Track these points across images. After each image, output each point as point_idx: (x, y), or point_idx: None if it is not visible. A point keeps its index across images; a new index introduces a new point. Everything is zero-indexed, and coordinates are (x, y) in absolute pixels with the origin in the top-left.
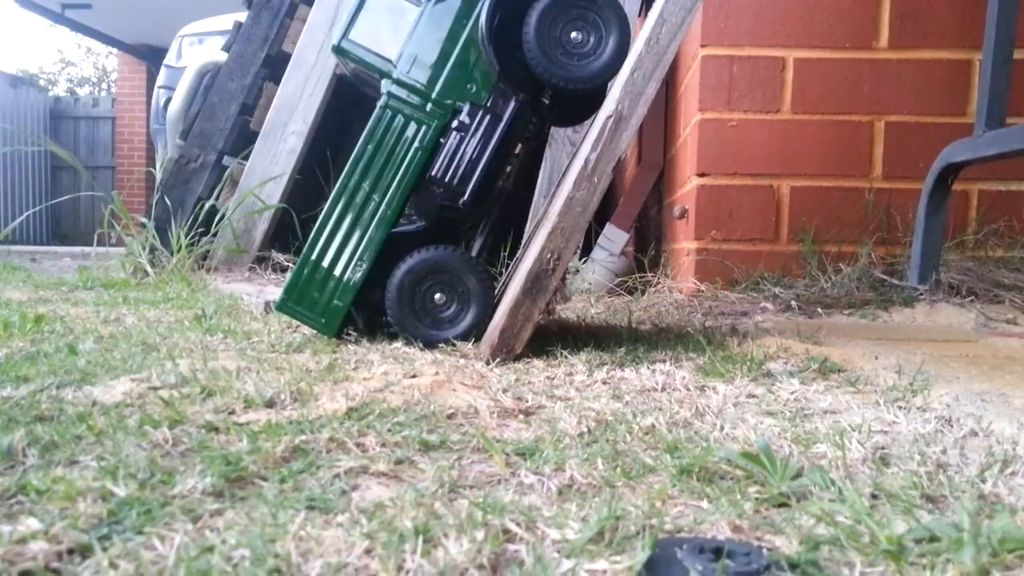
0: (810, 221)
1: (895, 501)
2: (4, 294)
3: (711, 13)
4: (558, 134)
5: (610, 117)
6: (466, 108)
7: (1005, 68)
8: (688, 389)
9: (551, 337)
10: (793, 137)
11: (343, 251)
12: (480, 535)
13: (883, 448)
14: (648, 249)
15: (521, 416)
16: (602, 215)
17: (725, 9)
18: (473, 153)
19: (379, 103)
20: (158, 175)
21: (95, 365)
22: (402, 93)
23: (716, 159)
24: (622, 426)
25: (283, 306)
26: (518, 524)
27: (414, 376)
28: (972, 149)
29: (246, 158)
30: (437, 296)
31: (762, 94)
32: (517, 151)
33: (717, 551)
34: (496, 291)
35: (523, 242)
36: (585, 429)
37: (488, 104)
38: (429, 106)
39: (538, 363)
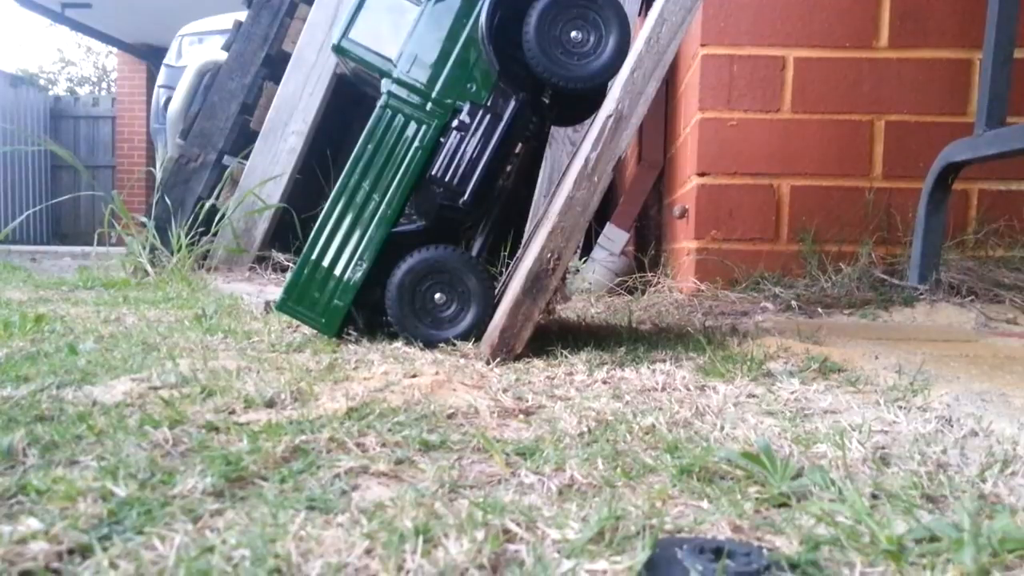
0: (810, 221)
1: (895, 501)
2: (4, 294)
3: (711, 12)
4: (558, 134)
5: (610, 116)
6: (466, 107)
7: (1005, 67)
8: (688, 389)
9: (551, 337)
10: (793, 136)
11: (343, 251)
12: (480, 535)
13: (883, 448)
14: (648, 249)
15: (521, 416)
16: (602, 215)
17: (725, 8)
18: (473, 153)
19: (379, 102)
20: (158, 175)
21: (95, 365)
22: (402, 92)
23: (716, 158)
24: (622, 426)
25: (283, 306)
26: (518, 524)
27: (414, 376)
28: (972, 148)
29: (246, 158)
30: (437, 296)
31: (762, 93)
32: (517, 150)
33: (717, 551)
34: (496, 291)
35: (523, 242)
36: (585, 429)
37: (488, 103)
38: (429, 105)
39: (538, 363)
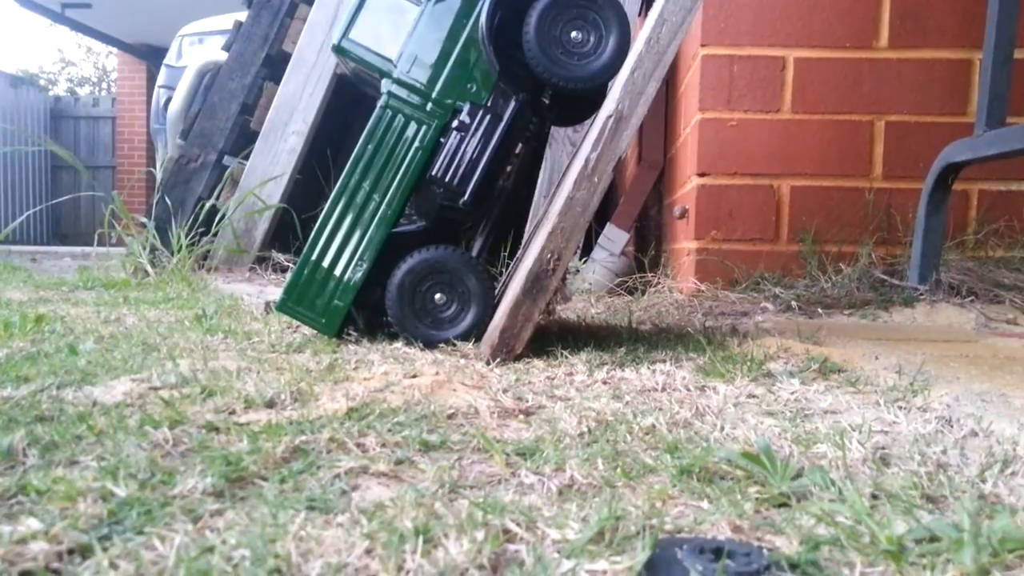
0: (810, 221)
1: (895, 501)
2: (4, 294)
3: (711, 13)
4: (558, 134)
5: (610, 117)
6: (466, 108)
7: (1005, 68)
8: (688, 389)
9: (551, 337)
10: (793, 137)
11: (343, 251)
12: (480, 535)
13: (883, 448)
14: (648, 249)
15: (521, 416)
16: (602, 215)
17: (725, 9)
18: (473, 153)
19: (379, 103)
20: (158, 175)
21: (95, 365)
22: (402, 93)
23: (716, 159)
24: (622, 426)
25: (283, 306)
26: (518, 524)
27: (414, 376)
28: (972, 149)
29: (246, 158)
30: (437, 296)
31: (762, 94)
32: (517, 151)
33: (717, 551)
34: (496, 291)
35: (523, 242)
36: (585, 429)
37: (488, 104)
38: (429, 106)
39: (538, 363)
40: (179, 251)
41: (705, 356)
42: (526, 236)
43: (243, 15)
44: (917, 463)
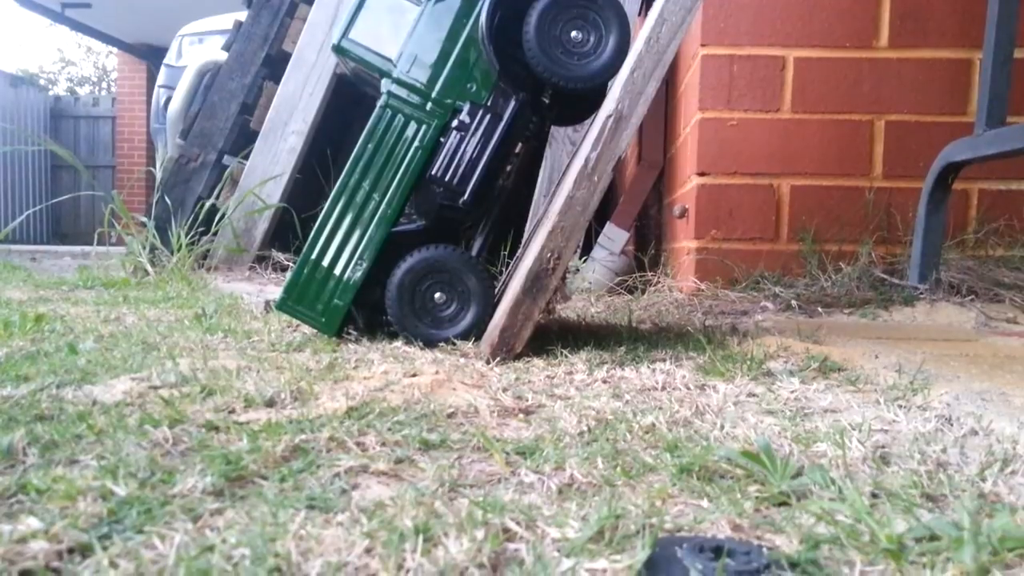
0: (810, 220)
1: (895, 500)
2: (4, 293)
3: (711, 12)
4: (558, 133)
5: (610, 116)
6: (466, 107)
7: (1005, 67)
8: (688, 388)
9: (551, 336)
10: (793, 136)
11: (343, 250)
12: (480, 534)
13: (883, 447)
14: (648, 248)
15: (521, 415)
16: (602, 214)
17: (725, 8)
18: (473, 152)
19: (379, 102)
20: (158, 174)
21: (95, 364)
22: (402, 92)
23: (716, 158)
24: (622, 425)
25: (283, 305)
26: (518, 523)
27: (414, 375)
28: (972, 148)
29: (246, 157)
30: (437, 295)
31: (762, 93)
32: (517, 150)
33: (717, 550)
34: (496, 290)
35: (523, 241)
36: (585, 428)
37: (488, 103)
38: (429, 105)
39: (538, 362)
40: (179, 250)
41: (705, 355)
42: (526, 235)
43: (243, 15)
44: (917, 462)
